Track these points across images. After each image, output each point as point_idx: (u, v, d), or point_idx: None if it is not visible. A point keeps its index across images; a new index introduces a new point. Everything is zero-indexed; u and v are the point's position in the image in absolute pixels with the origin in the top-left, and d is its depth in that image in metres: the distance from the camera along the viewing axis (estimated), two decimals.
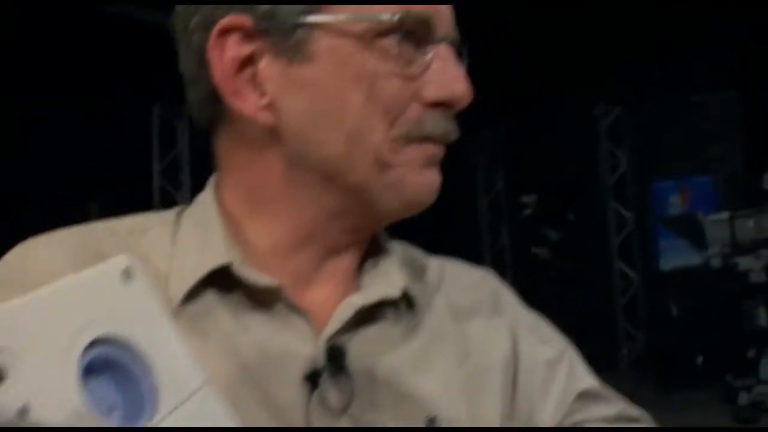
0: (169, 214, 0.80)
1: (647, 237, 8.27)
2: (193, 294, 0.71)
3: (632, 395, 0.89)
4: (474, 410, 0.76)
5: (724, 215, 6.94)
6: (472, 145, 9.03)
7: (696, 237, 7.11)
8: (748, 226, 6.73)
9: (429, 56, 0.72)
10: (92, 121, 5.20)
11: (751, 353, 6.58)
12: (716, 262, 6.83)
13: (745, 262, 6.68)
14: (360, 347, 0.73)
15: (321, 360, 0.71)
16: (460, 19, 0.76)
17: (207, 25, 0.72)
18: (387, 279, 0.78)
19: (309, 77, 0.71)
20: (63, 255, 0.71)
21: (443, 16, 0.75)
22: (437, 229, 7.67)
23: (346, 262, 0.78)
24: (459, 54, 0.77)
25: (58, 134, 5.01)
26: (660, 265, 7.84)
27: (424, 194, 0.74)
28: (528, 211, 9.00)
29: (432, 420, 0.72)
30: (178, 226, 0.77)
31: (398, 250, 0.84)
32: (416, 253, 0.87)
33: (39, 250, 0.73)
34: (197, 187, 0.87)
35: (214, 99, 0.73)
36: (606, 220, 8.35)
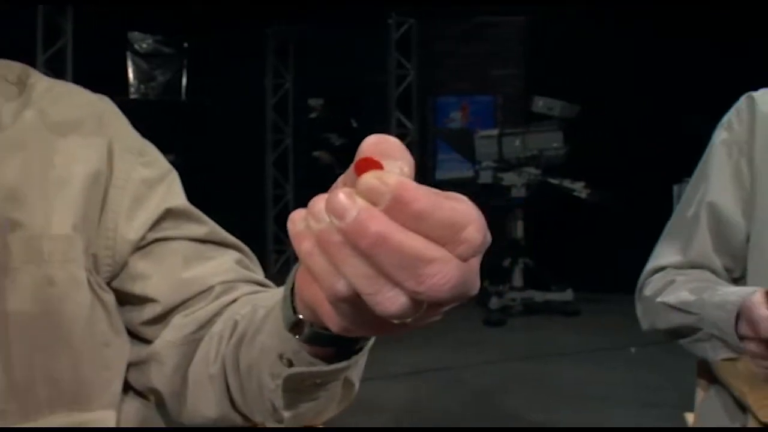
0: None
1: (427, 149, 8.61)
2: None
3: None
4: (47, 216, 0.79)
5: (493, 132, 7.25)
6: (263, 45, 8.93)
7: (468, 151, 7.40)
8: (514, 145, 7.06)
9: None
10: None
11: (507, 262, 7.12)
12: (487, 177, 7.18)
13: (509, 178, 7.04)
14: None
15: None
16: None
17: None
18: None
19: None
20: None
21: None
22: (223, 125, 7.59)
23: None
24: None
25: None
26: (435, 176, 8.20)
27: None
28: (314, 115, 9.08)
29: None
30: None
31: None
32: (29, 73, 0.88)
33: None
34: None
35: None
36: (389, 130, 8.56)
